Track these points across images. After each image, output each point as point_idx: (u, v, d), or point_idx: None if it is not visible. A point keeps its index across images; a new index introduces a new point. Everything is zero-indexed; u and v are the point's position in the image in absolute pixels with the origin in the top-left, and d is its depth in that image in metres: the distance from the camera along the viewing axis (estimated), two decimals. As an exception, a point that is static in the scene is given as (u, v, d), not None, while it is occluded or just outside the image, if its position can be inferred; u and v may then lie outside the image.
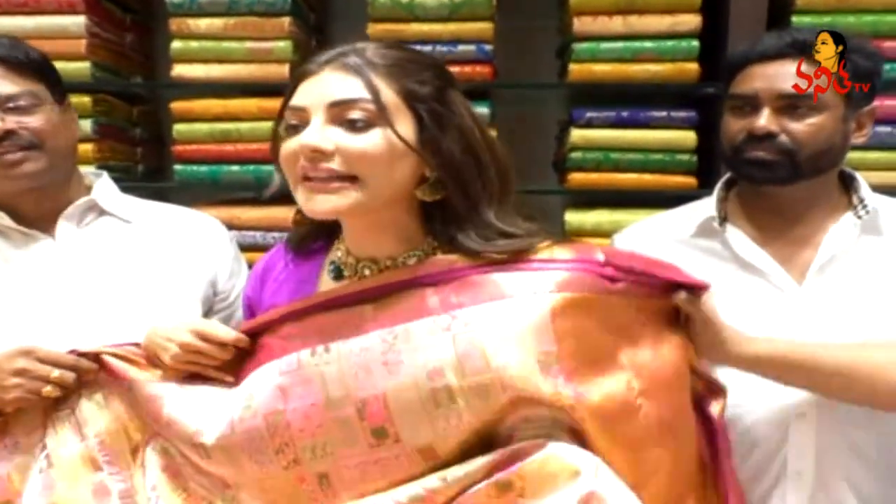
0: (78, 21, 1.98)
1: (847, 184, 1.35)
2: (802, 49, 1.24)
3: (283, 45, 1.98)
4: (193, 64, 2.01)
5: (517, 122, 2.26)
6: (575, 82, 1.97)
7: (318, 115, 0.93)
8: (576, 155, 2.00)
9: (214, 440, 1.00)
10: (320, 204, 0.94)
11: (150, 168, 2.34)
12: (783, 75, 1.24)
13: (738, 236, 1.33)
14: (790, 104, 1.24)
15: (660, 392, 0.98)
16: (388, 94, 0.94)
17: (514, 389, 0.90)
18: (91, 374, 1.11)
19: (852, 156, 1.88)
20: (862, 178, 1.34)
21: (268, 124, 1.94)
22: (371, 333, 0.96)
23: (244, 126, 2.02)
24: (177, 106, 2.04)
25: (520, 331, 0.91)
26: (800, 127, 1.24)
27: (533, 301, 0.93)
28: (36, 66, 1.29)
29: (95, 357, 1.11)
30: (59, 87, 1.33)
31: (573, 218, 2.02)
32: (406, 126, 0.95)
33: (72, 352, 1.11)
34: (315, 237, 1.13)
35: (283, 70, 1.98)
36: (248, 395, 1.00)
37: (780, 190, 1.29)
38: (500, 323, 0.92)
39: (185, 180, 2.05)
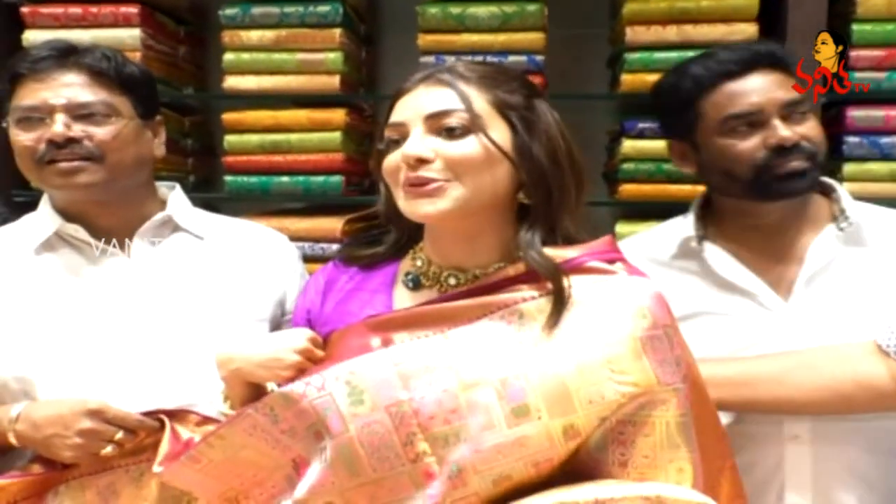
0: (133, 34, 2.01)
1: (827, 194, 1.32)
2: (772, 59, 1.26)
3: (334, 57, 1.99)
4: (245, 76, 2.02)
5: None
6: (627, 93, 1.94)
7: (416, 128, 0.99)
8: (627, 166, 1.97)
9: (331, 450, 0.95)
10: (424, 208, 0.98)
11: (200, 179, 2.36)
12: (773, 84, 1.24)
13: (717, 255, 1.30)
14: (792, 111, 1.23)
15: None
16: (480, 103, 0.99)
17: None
18: (152, 436, 1.11)
19: (854, 168, 1.86)
20: (842, 189, 1.31)
21: (318, 135, 2.00)
22: (488, 318, 0.98)
23: (294, 137, 2.02)
24: (228, 117, 2.06)
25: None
26: (809, 131, 1.24)
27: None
28: (125, 80, 1.28)
29: (159, 419, 1.11)
30: (151, 104, 1.34)
31: (624, 230, 1.98)
32: (500, 132, 0.99)
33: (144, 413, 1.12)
34: (376, 248, 1.13)
35: (334, 81, 1.99)
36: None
37: (770, 206, 1.27)
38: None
39: (236, 191, 2.07)
